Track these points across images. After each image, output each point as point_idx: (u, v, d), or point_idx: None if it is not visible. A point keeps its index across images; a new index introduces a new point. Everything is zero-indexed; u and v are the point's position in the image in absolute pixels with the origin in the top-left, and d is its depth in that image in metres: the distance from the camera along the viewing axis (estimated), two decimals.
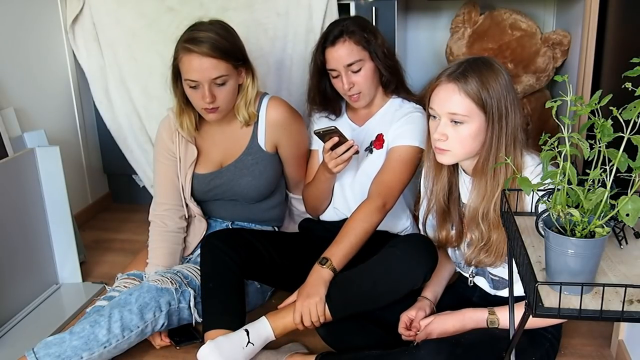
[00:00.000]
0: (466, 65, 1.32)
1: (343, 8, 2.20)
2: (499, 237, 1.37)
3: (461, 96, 1.30)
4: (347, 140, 1.61)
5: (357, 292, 1.51)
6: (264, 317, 1.54)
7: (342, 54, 1.66)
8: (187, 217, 1.87)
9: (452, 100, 1.31)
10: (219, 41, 1.62)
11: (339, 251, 1.55)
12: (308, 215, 1.96)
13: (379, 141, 1.75)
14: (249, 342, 1.48)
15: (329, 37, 1.68)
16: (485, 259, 1.41)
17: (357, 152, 1.63)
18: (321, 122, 1.86)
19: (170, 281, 1.63)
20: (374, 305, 1.52)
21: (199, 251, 1.79)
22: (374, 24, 2.15)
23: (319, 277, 1.52)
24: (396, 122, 1.72)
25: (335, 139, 1.61)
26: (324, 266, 1.53)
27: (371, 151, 1.77)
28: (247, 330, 1.49)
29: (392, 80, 1.74)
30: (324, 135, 1.61)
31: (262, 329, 1.51)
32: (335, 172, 1.66)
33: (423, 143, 1.66)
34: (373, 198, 1.62)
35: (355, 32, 1.66)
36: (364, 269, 1.51)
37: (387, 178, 1.65)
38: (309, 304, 1.49)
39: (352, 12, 2.19)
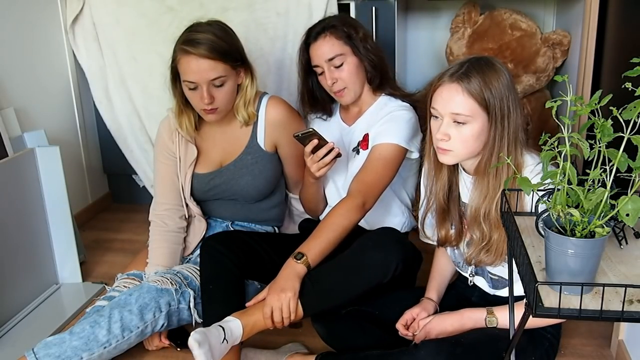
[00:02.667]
0: (468, 65, 1.32)
1: (343, 8, 2.20)
2: (499, 237, 1.37)
3: (464, 96, 1.30)
4: (327, 142, 1.60)
5: (328, 286, 1.49)
6: (232, 315, 1.48)
7: (324, 49, 1.67)
8: (187, 217, 1.87)
9: (455, 100, 1.31)
10: (217, 42, 1.62)
11: (315, 247, 1.52)
12: (308, 216, 1.96)
13: (365, 141, 1.75)
14: (224, 338, 1.43)
15: (311, 34, 1.70)
16: (485, 258, 1.41)
17: (339, 155, 1.61)
18: (316, 123, 1.86)
19: (170, 282, 1.63)
20: (344, 299, 1.50)
21: (198, 251, 1.78)
22: (374, 24, 2.16)
23: (293, 271, 1.49)
24: (379, 120, 1.72)
25: (315, 142, 1.59)
26: (299, 261, 1.50)
27: (358, 152, 1.77)
28: (223, 327, 1.44)
29: (376, 75, 1.73)
30: (303, 138, 1.60)
31: (235, 327, 1.46)
32: (319, 175, 1.64)
33: (405, 141, 1.65)
34: (353, 196, 1.60)
35: (336, 26, 1.68)
36: (335, 263, 1.50)
37: (367, 177, 1.63)
38: (280, 299, 1.45)
39: (352, 12, 2.19)
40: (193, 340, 1.36)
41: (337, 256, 1.52)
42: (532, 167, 1.34)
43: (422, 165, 1.83)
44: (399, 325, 1.53)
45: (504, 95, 1.31)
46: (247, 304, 1.54)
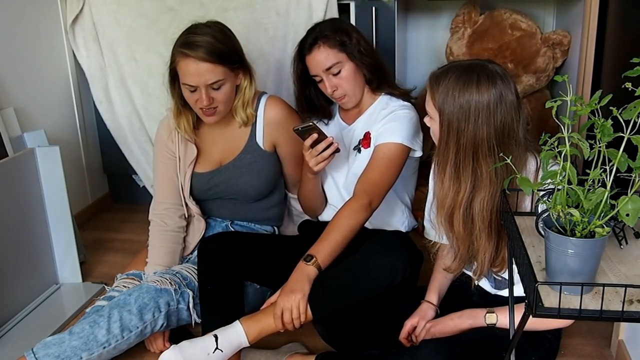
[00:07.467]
0: (446, 70, 1.33)
1: (343, 8, 2.20)
2: (484, 248, 1.35)
3: (428, 98, 1.36)
4: (326, 137, 1.60)
5: (337, 290, 1.49)
6: (237, 321, 1.49)
7: (320, 59, 1.67)
8: (186, 216, 1.87)
9: (427, 97, 1.37)
10: (215, 45, 1.62)
11: (325, 249, 1.53)
12: (307, 216, 1.95)
13: (366, 140, 1.75)
14: (216, 348, 1.43)
15: (305, 45, 1.70)
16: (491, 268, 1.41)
17: (337, 151, 1.62)
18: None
19: (170, 282, 1.63)
20: (353, 302, 1.50)
21: None
22: (374, 24, 2.16)
23: (303, 273, 1.49)
24: (381, 120, 1.72)
25: (315, 136, 1.60)
26: (309, 263, 1.50)
27: (359, 150, 1.77)
28: (216, 336, 1.45)
29: (374, 77, 1.73)
30: (302, 132, 1.60)
31: (234, 334, 1.46)
32: (317, 170, 1.65)
33: (409, 140, 1.66)
34: (359, 196, 1.61)
35: (328, 36, 1.67)
36: (344, 267, 1.51)
37: (372, 176, 1.64)
38: (290, 300, 1.45)
39: (352, 12, 2.19)
40: (165, 358, 1.40)
41: (346, 260, 1.52)
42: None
43: (421, 165, 1.83)
44: (403, 340, 1.53)
45: (465, 111, 1.28)
46: (262, 307, 1.54)
